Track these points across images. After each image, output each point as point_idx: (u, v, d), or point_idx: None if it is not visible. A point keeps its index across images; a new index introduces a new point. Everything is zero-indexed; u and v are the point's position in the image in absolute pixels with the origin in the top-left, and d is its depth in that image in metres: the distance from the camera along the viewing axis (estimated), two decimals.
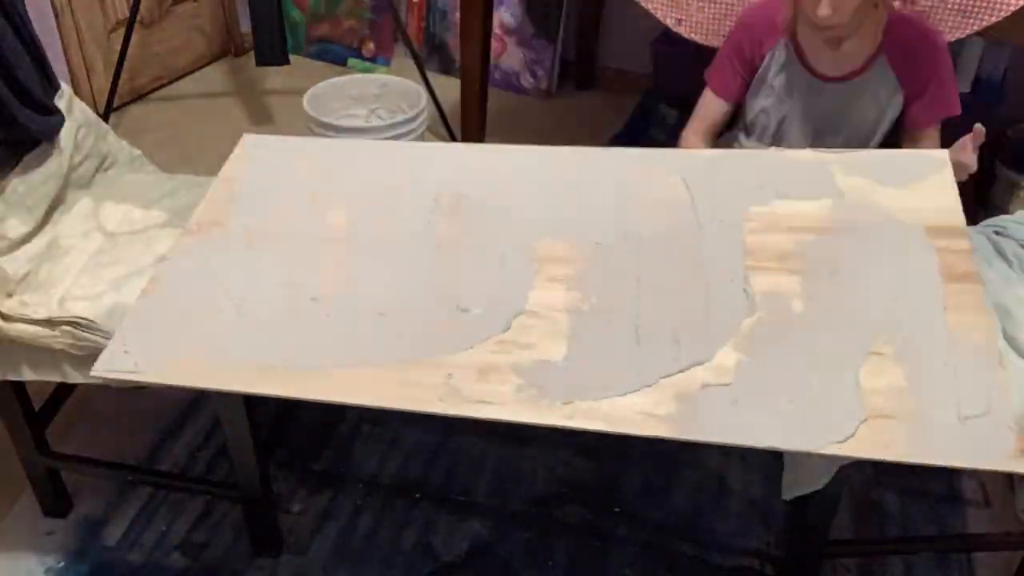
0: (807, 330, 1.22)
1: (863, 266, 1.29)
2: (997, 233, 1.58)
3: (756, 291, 1.26)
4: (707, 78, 1.77)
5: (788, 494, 1.38)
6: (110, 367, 1.22)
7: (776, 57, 1.67)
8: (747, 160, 1.48)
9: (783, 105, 1.70)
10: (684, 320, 1.23)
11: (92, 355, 1.26)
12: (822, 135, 1.70)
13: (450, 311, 1.27)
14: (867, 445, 1.09)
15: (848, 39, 1.58)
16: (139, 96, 3.19)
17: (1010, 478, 1.45)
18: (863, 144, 1.70)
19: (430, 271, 1.34)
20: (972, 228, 1.62)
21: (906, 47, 1.61)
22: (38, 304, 1.39)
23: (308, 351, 1.22)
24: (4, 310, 1.37)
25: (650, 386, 1.15)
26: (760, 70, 1.69)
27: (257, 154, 1.60)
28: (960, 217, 1.33)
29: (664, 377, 1.16)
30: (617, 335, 1.23)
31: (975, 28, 1.68)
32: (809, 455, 1.31)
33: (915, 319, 1.22)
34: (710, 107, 1.77)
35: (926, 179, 1.40)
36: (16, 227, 1.50)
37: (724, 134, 1.84)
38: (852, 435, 1.09)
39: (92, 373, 1.22)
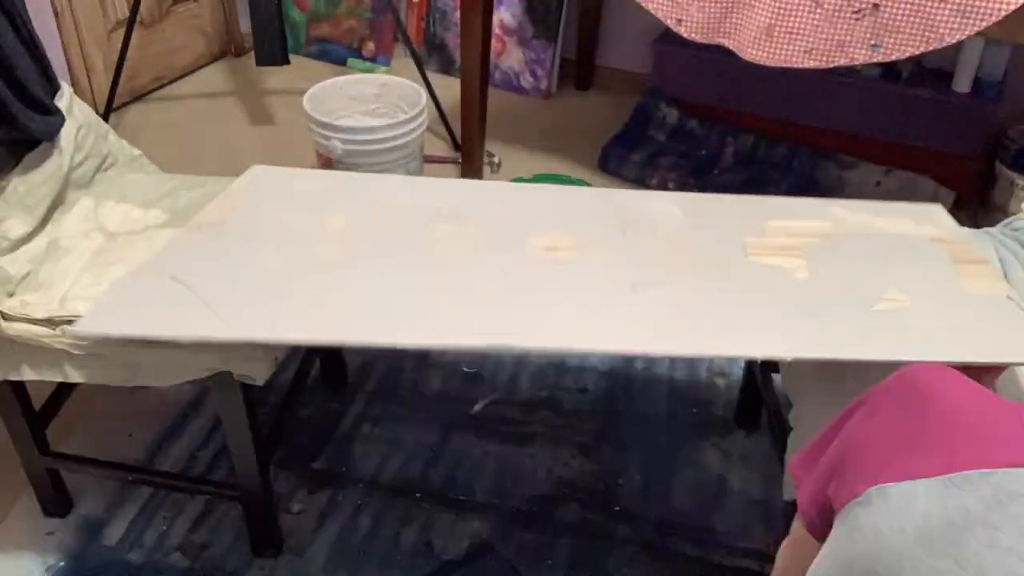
0: (812, 290, 1.20)
1: (868, 255, 1.28)
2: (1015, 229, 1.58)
3: (759, 265, 1.25)
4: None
5: (789, 494, 1.38)
6: (95, 328, 1.22)
7: None
8: (745, 201, 1.50)
9: None
10: (681, 282, 1.24)
11: (92, 355, 1.26)
12: None
13: (446, 272, 1.30)
14: (881, 343, 1.05)
15: None
16: (139, 96, 3.19)
17: None
18: None
19: (428, 254, 1.36)
20: (989, 230, 1.63)
21: None
22: (39, 304, 1.39)
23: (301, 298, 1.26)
24: (5, 310, 1.37)
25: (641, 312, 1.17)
26: None
27: (263, 180, 1.63)
28: (963, 234, 1.32)
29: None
30: (612, 289, 1.24)
31: (975, 28, 1.69)
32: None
33: (930, 283, 1.19)
34: None
35: (923, 214, 1.41)
36: (16, 227, 1.50)
37: None
38: (862, 336, 1.05)
39: (71, 330, 1.22)
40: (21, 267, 1.47)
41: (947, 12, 1.70)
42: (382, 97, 2.61)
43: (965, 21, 1.69)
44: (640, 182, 2.77)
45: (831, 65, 1.88)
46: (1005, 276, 1.50)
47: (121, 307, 1.25)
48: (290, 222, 1.45)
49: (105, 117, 2.82)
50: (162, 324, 1.20)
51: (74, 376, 1.42)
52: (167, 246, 1.40)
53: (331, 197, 1.53)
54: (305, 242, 1.39)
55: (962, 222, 1.48)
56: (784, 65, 1.92)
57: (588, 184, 2.73)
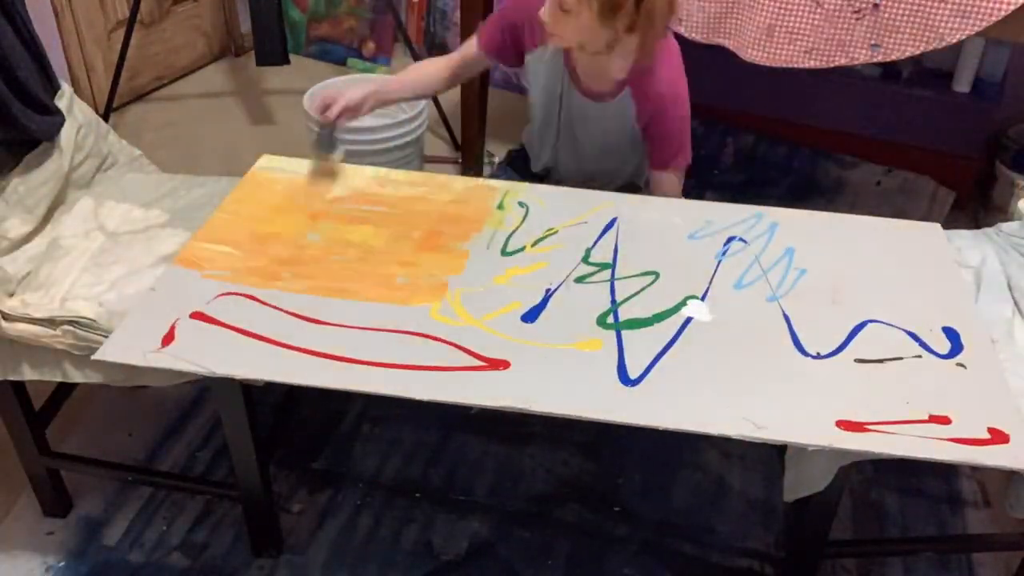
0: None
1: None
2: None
3: None
4: (478, 32, 1.70)
5: (790, 496, 1.38)
6: (115, 354, 1.24)
7: (549, 50, 1.63)
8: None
9: (546, 98, 1.70)
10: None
11: (93, 355, 1.26)
12: (578, 139, 1.72)
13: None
14: None
15: (596, 65, 1.59)
16: (139, 96, 3.19)
17: (1008, 477, 1.45)
18: (620, 154, 1.73)
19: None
20: (987, 231, 1.63)
21: (645, 97, 1.62)
22: (39, 304, 1.39)
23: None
24: (5, 310, 1.37)
25: None
26: (531, 55, 1.66)
27: (270, 174, 1.63)
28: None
29: None
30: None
31: (975, 29, 1.69)
32: (806, 457, 1.32)
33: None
34: (468, 51, 1.71)
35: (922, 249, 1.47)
36: (17, 227, 1.50)
37: None
38: None
39: (95, 357, 1.23)
40: (21, 267, 1.47)
41: (947, 12, 1.70)
42: None
43: (965, 21, 1.69)
44: None
45: (831, 65, 1.88)
46: (1008, 284, 1.50)
47: (143, 332, 1.27)
48: (290, 236, 1.47)
49: (105, 117, 2.82)
50: (185, 355, 1.24)
51: (74, 376, 1.42)
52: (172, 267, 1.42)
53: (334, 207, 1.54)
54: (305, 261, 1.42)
55: (962, 222, 1.49)
56: (784, 65, 1.92)
57: None
